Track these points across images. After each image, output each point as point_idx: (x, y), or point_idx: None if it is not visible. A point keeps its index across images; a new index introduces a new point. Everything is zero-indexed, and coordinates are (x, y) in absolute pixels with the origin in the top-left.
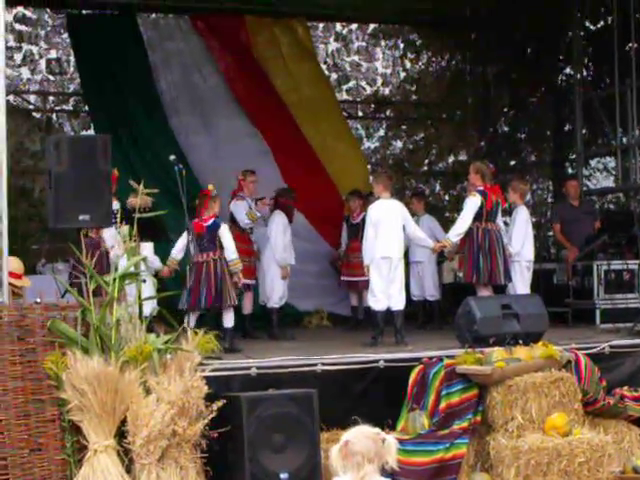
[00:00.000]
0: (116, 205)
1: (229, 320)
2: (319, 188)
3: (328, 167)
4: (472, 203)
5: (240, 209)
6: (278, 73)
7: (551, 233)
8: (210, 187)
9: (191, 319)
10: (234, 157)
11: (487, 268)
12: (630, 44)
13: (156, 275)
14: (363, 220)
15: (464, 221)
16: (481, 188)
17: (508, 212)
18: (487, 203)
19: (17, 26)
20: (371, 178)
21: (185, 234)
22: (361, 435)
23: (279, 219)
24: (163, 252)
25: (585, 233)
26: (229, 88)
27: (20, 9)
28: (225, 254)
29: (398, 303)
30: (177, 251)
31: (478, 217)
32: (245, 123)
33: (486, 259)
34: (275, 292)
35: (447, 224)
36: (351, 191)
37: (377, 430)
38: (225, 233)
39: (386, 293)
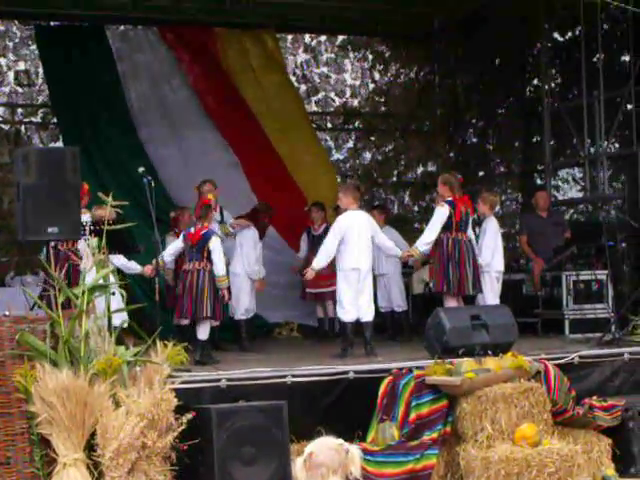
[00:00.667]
0: (87, 217)
1: (203, 332)
2: (288, 199)
3: (297, 178)
4: (440, 213)
5: None
6: (247, 84)
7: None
8: (210, 196)
9: (200, 330)
10: (203, 169)
11: (456, 278)
12: (597, 55)
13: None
14: (325, 232)
15: (432, 231)
16: (450, 199)
17: (477, 223)
18: (456, 213)
19: None
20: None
21: (179, 240)
22: (324, 446)
23: (249, 233)
24: None
25: (553, 244)
26: (198, 100)
27: None
28: (213, 269)
29: (367, 314)
30: (167, 254)
31: (447, 227)
32: (214, 135)
33: (455, 269)
34: (241, 304)
35: (416, 235)
36: (313, 202)
37: (340, 441)
38: (216, 246)
39: (355, 304)
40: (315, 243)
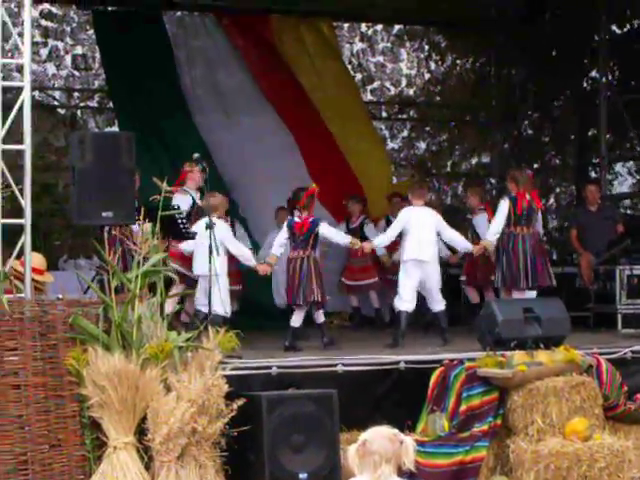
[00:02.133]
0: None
1: (297, 320)
2: (344, 186)
3: (353, 165)
4: (500, 207)
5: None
6: (304, 71)
7: None
8: (314, 186)
9: (296, 318)
10: (259, 154)
11: (510, 271)
12: None
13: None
14: (361, 225)
15: (496, 222)
16: (513, 194)
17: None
18: (517, 208)
19: (43, 22)
20: (395, 179)
21: (284, 230)
22: (379, 435)
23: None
24: None
25: (603, 238)
26: (255, 84)
27: (46, 5)
28: (340, 241)
29: (438, 304)
30: (277, 247)
31: (506, 222)
32: (271, 119)
33: (509, 263)
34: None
35: (467, 225)
36: (352, 195)
37: (395, 431)
38: (326, 230)
39: (412, 295)
40: (352, 235)
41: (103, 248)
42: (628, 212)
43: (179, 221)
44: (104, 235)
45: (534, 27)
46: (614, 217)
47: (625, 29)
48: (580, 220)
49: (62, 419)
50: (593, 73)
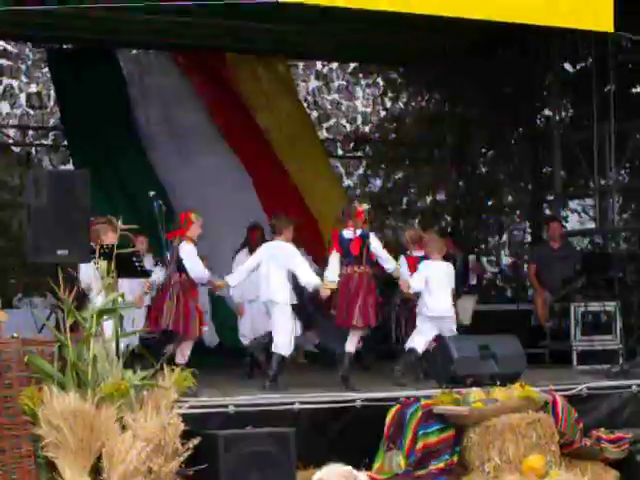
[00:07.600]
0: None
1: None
2: (300, 223)
3: (309, 203)
4: None
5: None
6: (260, 110)
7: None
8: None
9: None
10: (214, 193)
11: None
12: (609, 86)
13: None
14: None
15: None
16: None
17: None
18: None
19: None
20: None
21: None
22: (333, 473)
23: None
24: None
25: (562, 276)
26: (211, 122)
27: (1, 43)
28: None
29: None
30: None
31: None
32: (226, 157)
33: None
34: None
35: None
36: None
37: (349, 468)
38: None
39: None
40: None
41: (58, 286)
42: (583, 249)
43: (133, 259)
44: (59, 273)
45: (487, 64)
46: (574, 255)
47: (578, 67)
48: (540, 256)
49: (17, 459)
50: (546, 111)
